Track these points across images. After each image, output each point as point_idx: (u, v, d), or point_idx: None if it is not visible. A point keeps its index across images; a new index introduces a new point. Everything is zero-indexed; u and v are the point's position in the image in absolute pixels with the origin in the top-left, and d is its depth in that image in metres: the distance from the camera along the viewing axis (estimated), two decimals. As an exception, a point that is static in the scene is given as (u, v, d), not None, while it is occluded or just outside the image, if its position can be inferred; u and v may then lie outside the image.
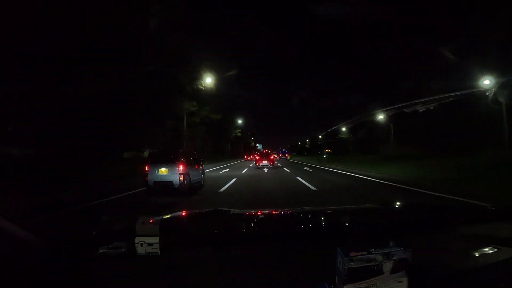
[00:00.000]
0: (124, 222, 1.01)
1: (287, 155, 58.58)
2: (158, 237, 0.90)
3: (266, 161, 22.38)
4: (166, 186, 8.39)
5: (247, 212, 1.66)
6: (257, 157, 24.72)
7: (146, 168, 8.56)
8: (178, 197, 7.84)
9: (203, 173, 10.65)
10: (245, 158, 49.51)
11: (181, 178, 8.38)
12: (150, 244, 0.90)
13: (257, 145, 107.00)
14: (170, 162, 8.56)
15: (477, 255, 0.84)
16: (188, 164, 9.04)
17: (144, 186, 8.60)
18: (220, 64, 24.67)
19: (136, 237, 0.91)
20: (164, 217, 1.21)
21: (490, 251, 0.91)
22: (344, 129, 49.55)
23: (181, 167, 8.48)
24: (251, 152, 60.42)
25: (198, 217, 1.54)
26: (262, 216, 1.60)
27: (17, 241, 0.86)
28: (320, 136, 67.37)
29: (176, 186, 8.33)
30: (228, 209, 1.55)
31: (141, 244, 0.90)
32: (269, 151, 31.63)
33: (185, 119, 22.72)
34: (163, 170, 8.49)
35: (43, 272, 0.83)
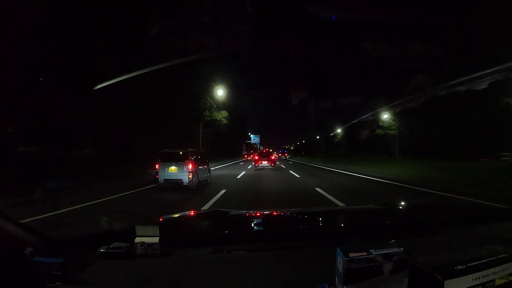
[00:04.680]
0: (124, 223, 0.96)
1: (286, 154, 61.72)
2: (158, 238, 0.85)
3: (266, 162, 20.05)
4: (175, 183, 8.37)
5: (247, 213, 1.61)
6: (256, 157, 21.95)
7: (156, 166, 8.54)
8: (187, 194, 7.80)
9: (209, 171, 10.63)
10: (245, 158, 48.22)
11: (190, 176, 8.36)
12: (150, 245, 0.85)
13: (251, 136, 72.18)
14: (180, 161, 8.53)
15: (477, 256, 0.78)
16: (197, 163, 9.02)
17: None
18: (221, 64, 23.83)
19: (136, 238, 0.86)
20: (164, 218, 1.17)
21: (491, 252, 0.84)
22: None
23: (190, 166, 8.46)
24: (242, 149, 59.36)
25: (197, 218, 1.49)
26: (262, 216, 1.54)
27: (17, 241, 0.81)
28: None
29: (185, 184, 8.30)
30: (227, 210, 1.50)
31: (141, 245, 0.85)
32: (270, 150, 30.16)
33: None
34: (173, 169, 8.47)
35: (43, 272, 0.77)
